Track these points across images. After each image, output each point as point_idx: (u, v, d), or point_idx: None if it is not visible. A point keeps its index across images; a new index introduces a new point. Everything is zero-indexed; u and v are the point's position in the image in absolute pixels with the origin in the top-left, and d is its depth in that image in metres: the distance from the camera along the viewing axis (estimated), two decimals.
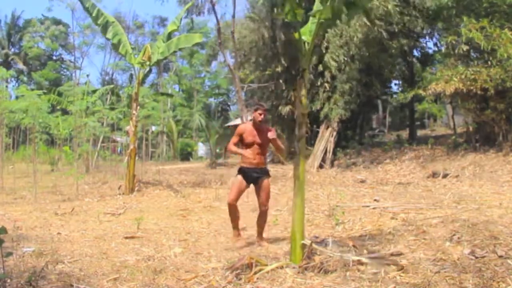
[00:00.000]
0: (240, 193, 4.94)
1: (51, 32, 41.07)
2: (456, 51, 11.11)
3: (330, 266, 3.60)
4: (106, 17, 10.51)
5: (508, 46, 9.70)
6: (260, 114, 4.86)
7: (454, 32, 11.08)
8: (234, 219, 5.01)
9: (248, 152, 4.82)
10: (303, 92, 3.82)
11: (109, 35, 10.47)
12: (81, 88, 18.04)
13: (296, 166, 3.92)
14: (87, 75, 19.52)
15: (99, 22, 10.38)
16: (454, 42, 11.21)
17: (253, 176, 4.90)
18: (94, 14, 10.30)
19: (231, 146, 4.95)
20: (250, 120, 5.29)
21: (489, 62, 10.42)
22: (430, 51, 17.71)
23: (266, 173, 4.98)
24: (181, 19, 11.75)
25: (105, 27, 10.44)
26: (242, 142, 4.95)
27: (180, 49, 11.72)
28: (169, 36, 11.31)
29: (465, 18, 10.52)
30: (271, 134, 4.78)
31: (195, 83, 36.23)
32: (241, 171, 4.94)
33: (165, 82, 39.40)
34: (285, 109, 16.16)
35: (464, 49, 10.93)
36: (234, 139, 4.96)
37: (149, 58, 10.56)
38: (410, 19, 12.81)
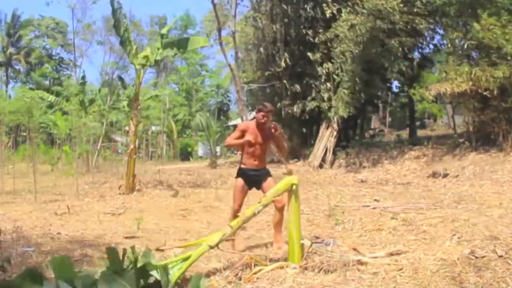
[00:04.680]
0: (243, 198, 4.82)
1: (49, 27, 41.16)
2: (460, 48, 11.01)
3: (330, 266, 3.60)
4: (124, 13, 10.57)
5: None
6: (264, 116, 4.67)
7: (459, 30, 10.98)
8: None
9: (249, 142, 4.59)
10: None
11: (121, 31, 10.45)
12: (76, 87, 18.06)
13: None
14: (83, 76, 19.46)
15: (117, 16, 10.35)
16: (457, 39, 11.14)
17: (253, 178, 4.74)
18: (115, 6, 10.32)
19: (231, 140, 4.75)
20: (252, 119, 5.11)
21: (492, 61, 10.33)
22: (430, 51, 17.72)
23: (267, 173, 4.82)
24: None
25: (119, 22, 10.40)
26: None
27: (181, 51, 11.51)
28: (166, 36, 11.22)
29: (481, 13, 10.30)
30: (275, 130, 4.65)
31: (194, 82, 36.22)
32: (241, 173, 4.78)
33: (165, 81, 39.42)
34: (285, 109, 16.15)
35: (472, 45, 10.78)
36: (235, 134, 4.75)
37: (147, 59, 10.54)
38: (412, 18, 12.72)
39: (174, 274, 3.27)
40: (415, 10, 12.65)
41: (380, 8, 12.31)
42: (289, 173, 4.22)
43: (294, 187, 3.91)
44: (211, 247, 3.59)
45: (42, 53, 41.39)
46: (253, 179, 4.77)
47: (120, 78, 16.74)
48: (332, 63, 14.45)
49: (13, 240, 5.06)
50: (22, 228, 5.94)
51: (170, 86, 37.05)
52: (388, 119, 30.80)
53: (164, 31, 11.41)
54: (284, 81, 16.35)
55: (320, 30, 14.92)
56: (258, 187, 4.78)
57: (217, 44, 20.37)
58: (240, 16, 19.57)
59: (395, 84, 19.64)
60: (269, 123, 4.76)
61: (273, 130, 4.66)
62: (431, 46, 17.21)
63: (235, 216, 4.84)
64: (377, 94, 17.44)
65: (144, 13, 73.47)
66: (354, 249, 4.02)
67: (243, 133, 4.73)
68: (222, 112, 38.02)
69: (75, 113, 15.67)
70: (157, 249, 3.96)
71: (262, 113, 4.69)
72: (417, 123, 24.88)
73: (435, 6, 12.33)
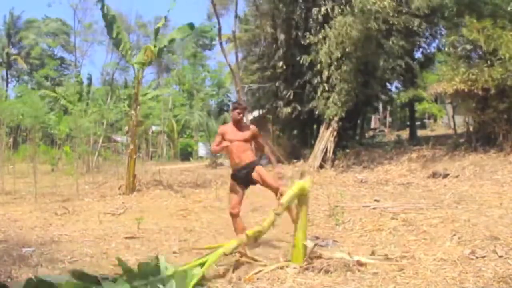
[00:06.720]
0: (239, 199, 4.82)
1: (52, 29, 41.14)
2: (459, 50, 11.04)
3: (330, 266, 3.60)
4: (113, 15, 10.57)
5: (510, 46, 9.66)
6: (239, 113, 4.86)
7: (455, 32, 11.03)
8: (238, 230, 4.70)
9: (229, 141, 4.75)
10: None
11: (113, 33, 10.48)
12: (78, 88, 18.04)
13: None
14: (88, 78, 19.58)
15: (108, 19, 10.39)
16: (456, 42, 11.16)
17: (243, 176, 4.77)
18: (105, 11, 10.34)
19: (214, 146, 4.94)
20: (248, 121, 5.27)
21: (489, 62, 10.38)
22: (431, 52, 17.71)
23: (255, 165, 4.79)
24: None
25: (111, 25, 10.44)
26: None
27: (171, 42, 11.55)
28: (157, 32, 11.39)
29: (466, 18, 10.44)
30: (252, 128, 4.92)
31: (195, 82, 36.25)
32: (233, 176, 4.90)
33: (166, 82, 39.41)
34: (285, 110, 16.15)
35: (468, 48, 10.85)
36: (217, 139, 4.94)
37: (151, 57, 10.61)
38: (406, 18, 12.67)
39: (192, 278, 3.30)
40: (411, 10, 12.61)
41: (370, 8, 12.24)
42: (302, 174, 4.27)
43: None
44: (226, 254, 3.66)
45: (43, 53, 41.31)
46: (243, 177, 4.79)
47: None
48: (328, 64, 14.40)
49: (13, 240, 5.06)
50: (22, 228, 5.95)
51: (172, 87, 37.06)
52: (388, 119, 30.79)
53: (158, 26, 11.49)
54: (283, 81, 16.36)
55: (314, 31, 14.91)
56: (252, 181, 4.78)
57: (217, 43, 20.41)
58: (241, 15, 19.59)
59: (395, 84, 19.61)
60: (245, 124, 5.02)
61: (250, 127, 4.94)
62: (431, 47, 17.23)
63: (232, 219, 4.83)
64: (375, 94, 17.41)
65: (150, 14, 73.23)
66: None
67: (223, 136, 4.86)
68: (222, 112, 38.04)
69: (76, 113, 15.66)
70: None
71: (237, 110, 4.89)
72: (417, 123, 24.87)
73: (432, 8, 12.33)
